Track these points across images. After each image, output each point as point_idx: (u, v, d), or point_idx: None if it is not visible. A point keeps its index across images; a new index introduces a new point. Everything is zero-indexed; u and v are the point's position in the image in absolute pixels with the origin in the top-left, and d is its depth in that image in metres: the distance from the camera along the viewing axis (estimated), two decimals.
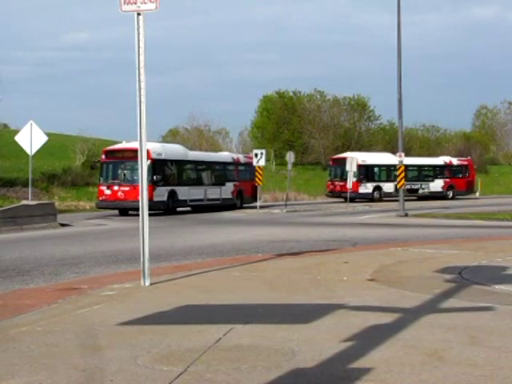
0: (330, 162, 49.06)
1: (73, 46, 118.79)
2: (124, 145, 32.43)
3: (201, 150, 45.96)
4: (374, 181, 45.45)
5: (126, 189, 30.28)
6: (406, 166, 43.95)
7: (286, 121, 76.60)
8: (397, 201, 38.95)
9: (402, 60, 29.23)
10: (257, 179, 35.19)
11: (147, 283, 8.96)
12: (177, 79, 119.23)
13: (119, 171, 31.49)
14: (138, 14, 8.94)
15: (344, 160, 46.21)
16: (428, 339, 5.76)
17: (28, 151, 25.76)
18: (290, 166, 39.35)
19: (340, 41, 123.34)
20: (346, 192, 43.85)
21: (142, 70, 8.93)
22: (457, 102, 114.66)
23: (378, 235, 17.96)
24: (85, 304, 7.80)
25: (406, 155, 52.31)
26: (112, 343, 5.84)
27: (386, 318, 6.58)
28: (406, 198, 44.08)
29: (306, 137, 72.94)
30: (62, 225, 25.02)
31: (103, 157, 32.22)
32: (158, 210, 29.55)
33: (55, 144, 44.61)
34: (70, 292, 8.71)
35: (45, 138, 26.02)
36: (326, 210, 35.55)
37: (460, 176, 49.49)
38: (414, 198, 44.97)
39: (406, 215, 27.93)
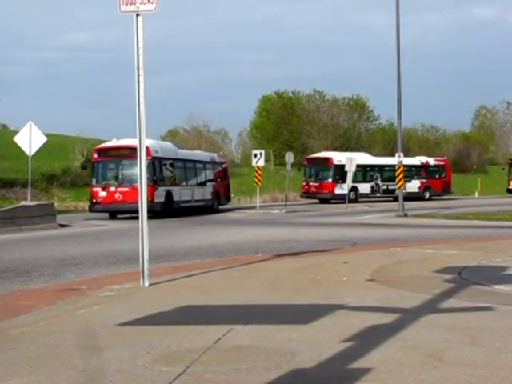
0: (305, 162, 48.09)
1: (72, 47, 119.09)
2: (118, 142, 30.01)
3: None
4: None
5: (125, 190, 28.19)
6: (383, 166, 43.63)
7: (286, 121, 76.68)
8: (372, 202, 38.78)
9: (401, 60, 29.27)
10: (256, 180, 35.16)
11: (147, 284, 8.97)
12: (176, 79, 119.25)
13: (115, 171, 29.31)
14: (137, 15, 8.94)
15: (319, 160, 45.89)
16: (427, 339, 5.77)
17: (27, 152, 25.75)
18: (289, 167, 39.35)
19: (339, 41, 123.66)
20: (322, 193, 43.31)
21: (141, 71, 8.93)
22: (456, 103, 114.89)
23: (377, 235, 17.96)
24: (84, 305, 7.80)
25: (380, 156, 52.11)
26: (111, 344, 5.85)
27: (386, 319, 6.59)
28: (382, 199, 43.90)
29: (306, 137, 73.02)
30: (62, 225, 25.02)
31: (95, 155, 29.49)
32: (157, 211, 28.02)
33: (54, 145, 44.65)
34: (70, 293, 8.71)
35: (44, 139, 26.02)
36: (325, 210, 35.56)
37: (437, 176, 48.79)
38: (391, 199, 44.02)
39: (406, 215, 27.93)
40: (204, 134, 71.75)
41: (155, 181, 28.29)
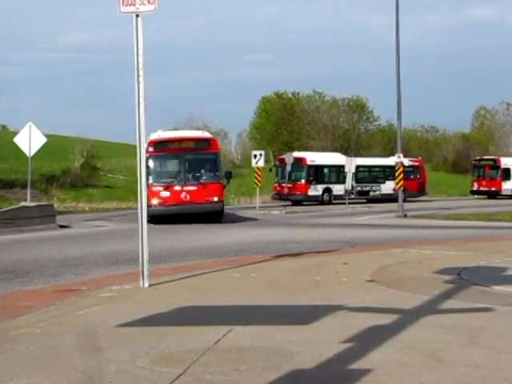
0: (277, 162, 46.70)
1: (72, 47, 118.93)
2: (179, 133, 27.41)
3: None
4: (323, 182, 43.50)
5: (192, 188, 24.67)
6: (358, 167, 42.95)
7: (285, 122, 76.68)
8: (347, 204, 38.23)
9: (400, 61, 29.26)
10: (256, 180, 35.13)
11: (146, 284, 8.96)
12: (176, 80, 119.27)
13: (178, 166, 25.36)
14: (137, 16, 8.94)
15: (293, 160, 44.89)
16: (427, 340, 5.76)
17: (27, 153, 25.76)
18: (289, 168, 39.35)
19: (339, 41, 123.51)
20: (294, 195, 42.47)
21: (140, 72, 8.93)
22: (456, 103, 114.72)
23: (377, 236, 17.96)
24: (84, 305, 7.80)
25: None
26: (111, 344, 5.84)
27: (386, 319, 6.58)
28: (355, 200, 43.27)
29: (305, 138, 72.96)
30: (61, 226, 25.02)
31: (150, 149, 24.38)
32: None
33: (54, 145, 44.63)
34: (70, 293, 8.71)
35: (44, 140, 26.03)
36: (325, 210, 35.55)
37: (411, 177, 46.63)
38: (364, 200, 43.43)
39: (405, 216, 27.93)
40: None
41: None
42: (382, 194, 45.31)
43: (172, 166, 25.69)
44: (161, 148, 24.85)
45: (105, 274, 10.98)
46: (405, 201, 44.71)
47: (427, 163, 76.81)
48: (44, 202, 30.82)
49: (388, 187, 45.48)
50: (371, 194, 45.17)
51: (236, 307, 7.55)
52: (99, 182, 50.54)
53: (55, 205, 29.45)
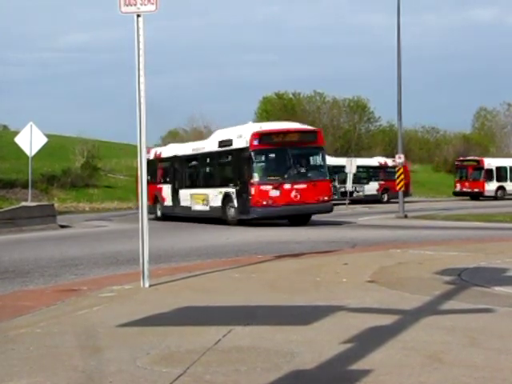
0: None
1: (72, 47, 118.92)
2: (281, 125, 24.74)
3: None
4: None
5: (303, 186, 22.38)
6: (341, 167, 42.29)
7: None
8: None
9: (401, 61, 29.25)
10: None
11: (147, 285, 8.96)
12: (176, 80, 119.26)
13: (285, 162, 22.65)
14: (138, 16, 8.94)
15: None
16: (427, 341, 5.76)
17: (28, 153, 25.79)
18: None
19: (340, 42, 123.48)
20: None
21: (141, 72, 8.93)
22: (456, 104, 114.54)
23: (377, 237, 17.96)
24: (84, 305, 7.80)
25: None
26: (111, 344, 5.84)
27: (386, 320, 6.58)
28: (338, 202, 42.60)
29: None
30: (62, 226, 25.05)
31: (255, 142, 22.05)
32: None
33: (55, 145, 44.60)
34: (70, 293, 8.72)
35: (44, 140, 26.05)
36: None
37: (395, 178, 46.93)
38: (346, 202, 42.09)
39: (406, 217, 27.92)
40: (204, 134, 71.77)
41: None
42: (366, 195, 44.93)
43: (278, 161, 22.78)
44: (265, 141, 22.27)
45: (105, 274, 10.98)
46: (388, 202, 44.31)
47: (428, 164, 77.05)
48: (44, 202, 30.86)
49: (371, 188, 45.34)
50: (355, 194, 44.27)
51: (236, 307, 7.56)
52: (100, 182, 50.56)
53: (56, 205, 29.48)
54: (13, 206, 26.18)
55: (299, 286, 8.91)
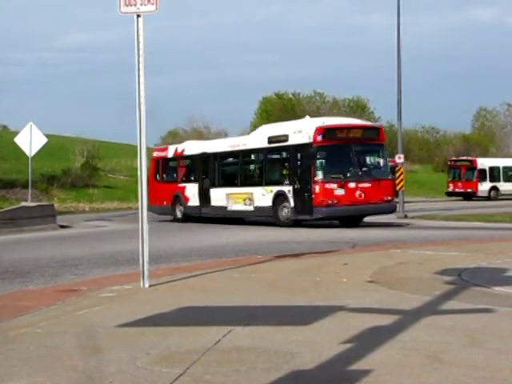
0: None
1: (72, 47, 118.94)
2: (344, 120, 23.59)
3: None
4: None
5: (367, 185, 21.36)
6: None
7: None
8: None
9: (401, 61, 29.24)
10: None
11: (147, 285, 8.96)
12: (176, 80, 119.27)
13: (349, 159, 21.54)
14: (138, 16, 8.94)
15: None
16: (427, 341, 5.76)
17: (27, 153, 25.80)
18: None
19: (340, 42, 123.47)
20: None
21: (141, 72, 8.93)
22: (456, 104, 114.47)
23: (377, 237, 17.95)
24: (84, 305, 7.80)
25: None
26: (111, 345, 5.84)
27: (386, 320, 6.58)
28: None
29: None
30: (62, 226, 25.06)
31: (318, 138, 20.82)
32: None
33: (54, 145, 44.64)
34: (70, 293, 8.72)
35: (44, 140, 26.07)
36: None
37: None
38: None
39: (406, 217, 27.89)
40: (204, 135, 71.73)
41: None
42: None
43: (342, 158, 21.53)
44: (329, 137, 21.06)
45: (105, 275, 10.98)
46: None
47: (428, 164, 77.02)
48: (44, 202, 30.87)
49: None
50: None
51: (236, 307, 7.56)
52: (100, 182, 50.58)
53: (56, 205, 29.50)
54: (13, 206, 26.19)
55: (299, 286, 8.91)
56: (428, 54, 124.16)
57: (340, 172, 21.40)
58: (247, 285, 9.16)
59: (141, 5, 8.87)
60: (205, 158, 26.26)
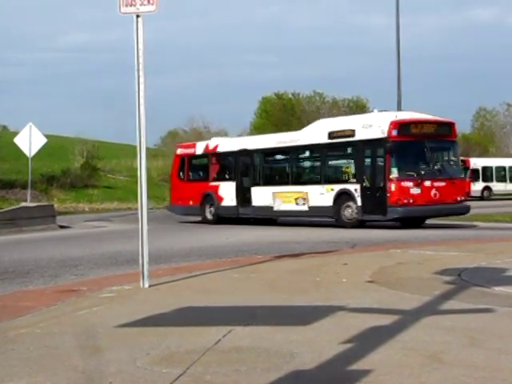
0: None
1: (72, 47, 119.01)
2: (417, 115, 21.85)
3: None
4: None
5: (442, 184, 20.36)
6: None
7: (285, 122, 76.50)
8: None
9: (401, 61, 29.25)
10: None
11: (146, 285, 8.96)
12: (176, 80, 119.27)
13: (425, 156, 20.47)
14: (137, 16, 8.94)
15: None
16: (427, 341, 5.76)
17: (27, 153, 25.80)
18: None
19: (339, 42, 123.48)
20: None
21: (141, 72, 8.93)
22: (456, 104, 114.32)
23: (377, 237, 17.95)
24: (84, 306, 7.80)
25: None
26: (111, 345, 5.84)
27: (386, 320, 6.58)
28: None
29: None
30: (61, 226, 25.06)
31: (393, 133, 19.72)
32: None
33: (54, 146, 44.61)
34: (70, 294, 8.71)
35: (44, 140, 26.06)
36: None
37: None
38: None
39: None
40: (204, 135, 71.78)
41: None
42: None
43: (416, 155, 20.59)
44: (404, 132, 20.00)
45: (105, 275, 10.98)
46: None
47: None
48: (44, 203, 30.88)
49: None
50: None
51: (236, 308, 7.55)
52: (99, 182, 50.60)
53: (55, 205, 29.50)
54: (13, 207, 26.18)
55: (299, 286, 8.91)
56: (428, 53, 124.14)
57: (415, 170, 20.39)
58: (247, 285, 9.16)
59: (140, 5, 8.87)
60: (245, 154, 24.65)
